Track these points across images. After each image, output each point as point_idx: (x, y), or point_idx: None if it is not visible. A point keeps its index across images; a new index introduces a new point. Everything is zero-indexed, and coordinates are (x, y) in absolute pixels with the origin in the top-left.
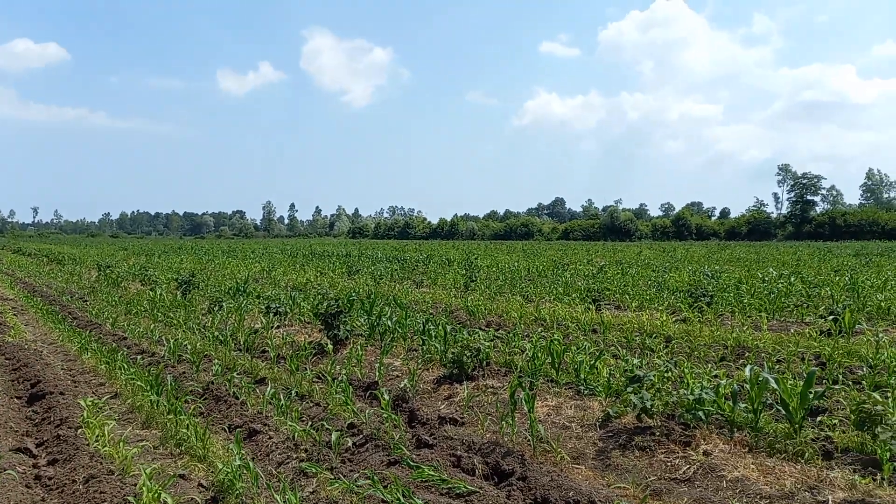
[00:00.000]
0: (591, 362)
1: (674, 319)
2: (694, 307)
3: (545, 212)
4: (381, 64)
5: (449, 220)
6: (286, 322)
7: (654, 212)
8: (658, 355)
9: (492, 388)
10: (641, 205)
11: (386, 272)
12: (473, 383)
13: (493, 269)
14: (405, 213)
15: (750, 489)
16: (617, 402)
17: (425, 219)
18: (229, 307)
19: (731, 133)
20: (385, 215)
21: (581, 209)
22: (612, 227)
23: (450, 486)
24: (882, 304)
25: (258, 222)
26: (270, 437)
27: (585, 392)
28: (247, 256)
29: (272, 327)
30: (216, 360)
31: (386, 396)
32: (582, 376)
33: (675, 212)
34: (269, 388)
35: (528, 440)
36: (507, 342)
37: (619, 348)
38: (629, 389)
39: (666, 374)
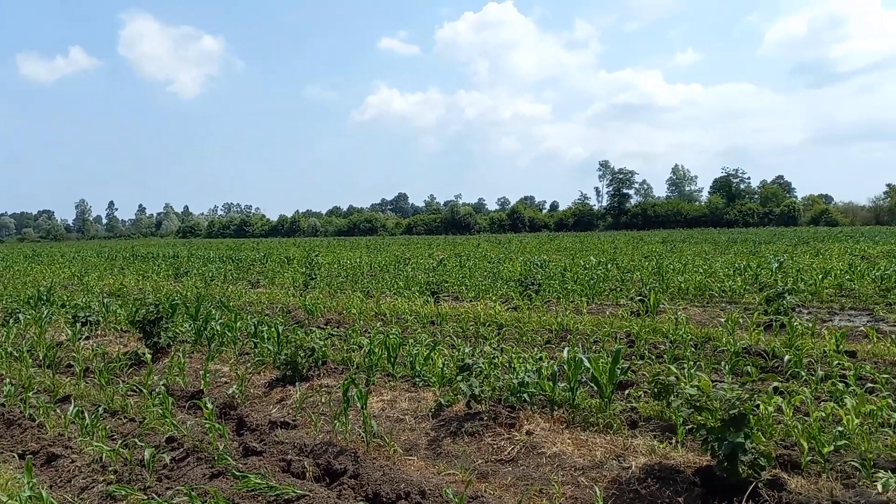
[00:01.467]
0: (426, 354)
1: (506, 308)
2: (524, 295)
3: (389, 207)
4: (212, 53)
5: (290, 216)
6: (98, 332)
7: (492, 206)
8: (490, 343)
9: (327, 387)
10: (480, 199)
11: (218, 273)
12: (308, 384)
13: (335, 265)
14: (242, 210)
15: (566, 463)
16: (450, 392)
17: (264, 216)
18: (27, 319)
19: (558, 131)
20: (220, 213)
21: (424, 204)
22: (453, 222)
23: (278, 492)
24: (682, 285)
25: (70, 223)
26: (73, 461)
27: (421, 384)
28: (55, 261)
29: (80, 338)
30: (8, 380)
31: (210, 405)
32: (417, 368)
33: (510, 206)
34: (72, 407)
35: (363, 437)
36: (346, 339)
37: (455, 338)
38: (459, 378)
39: (494, 361)
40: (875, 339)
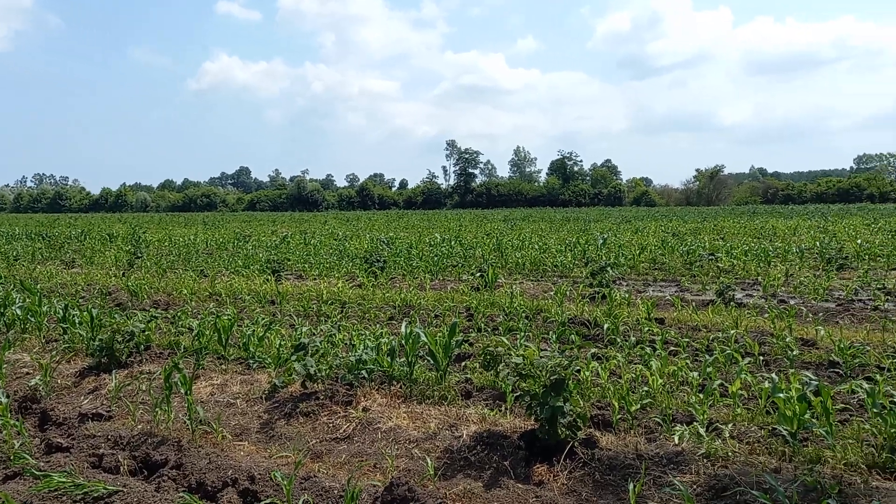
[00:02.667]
0: (262, 334)
1: (351, 285)
2: (369, 273)
3: (230, 181)
4: (20, 6)
5: (115, 190)
6: None
7: (341, 182)
8: (333, 321)
9: (149, 373)
10: (328, 175)
11: (25, 252)
12: (127, 371)
13: (166, 243)
14: (56, 182)
15: (401, 436)
16: (285, 373)
17: (83, 189)
18: None
19: (406, 109)
20: (29, 184)
21: (268, 179)
22: (300, 198)
23: (85, 490)
24: (519, 260)
25: None
26: None
27: (255, 366)
28: None
29: None
30: None
31: (4, 399)
32: (252, 350)
33: (359, 183)
34: None
35: (187, 425)
36: (174, 322)
37: (296, 318)
38: (294, 357)
39: (333, 339)
40: (680, 307)
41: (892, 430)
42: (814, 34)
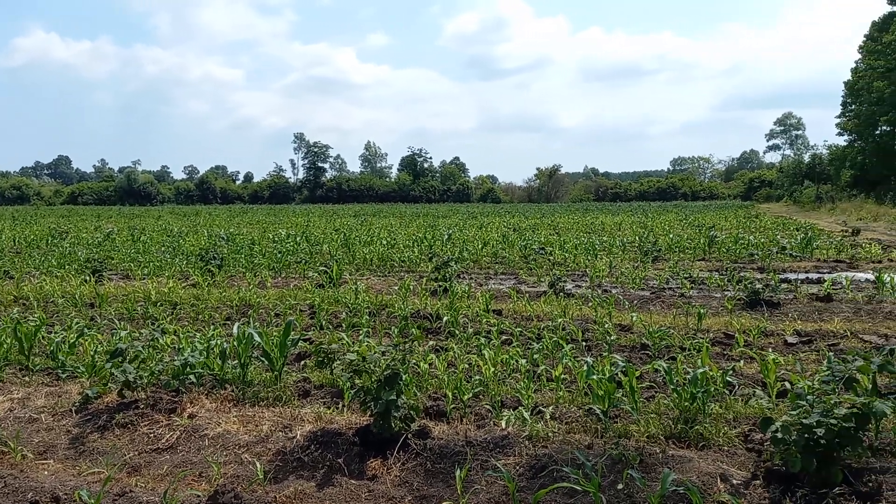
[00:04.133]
0: (73, 340)
1: (184, 285)
2: (205, 271)
3: (46, 172)
4: None
5: None
6: None
7: (178, 174)
8: (162, 324)
9: None
10: (164, 167)
11: None
12: None
13: None
14: None
15: (230, 441)
16: (100, 382)
17: None
18: None
19: (253, 99)
20: None
21: (93, 170)
22: (130, 191)
23: None
24: (367, 256)
25: None
26: None
27: (65, 376)
28: None
29: None
30: None
31: None
32: (61, 358)
33: (199, 175)
34: None
35: None
36: None
37: (118, 322)
38: (109, 365)
39: (156, 343)
40: (516, 298)
41: (686, 404)
42: (638, 46)
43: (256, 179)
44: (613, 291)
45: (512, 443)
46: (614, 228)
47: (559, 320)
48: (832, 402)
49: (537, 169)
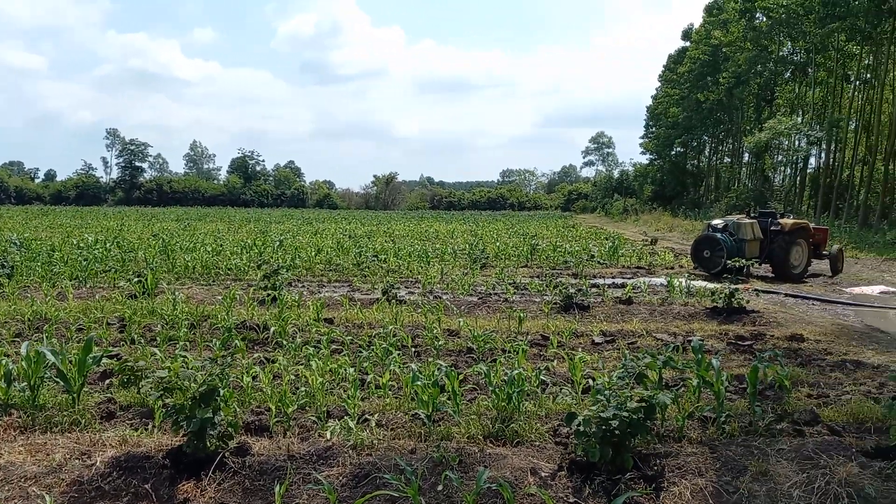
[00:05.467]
0: None
1: None
2: None
3: None
4: None
5: None
6: None
7: None
8: None
9: None
10: None
11: None
12: None
13: None
14: None
15: (15, 474)
16: None
17: None
18: None
19: (59, 90)
20: None
21: None
22: None
23: None
24: (189, 263)
25: None
26: None
27: None
28: None
29: None
30: None
31: None
32: None
33: None
34: None
35: None
36: None
37: None
38: None
39: None
40: (349, 306)
41: (503, 404)
42: (468, 61)
43: (61, 178)
44: (444, 297)
45: (336, 453)
46: (447, 236)
47: (390, 327)
48: (625, 395)
49: (374, 176)
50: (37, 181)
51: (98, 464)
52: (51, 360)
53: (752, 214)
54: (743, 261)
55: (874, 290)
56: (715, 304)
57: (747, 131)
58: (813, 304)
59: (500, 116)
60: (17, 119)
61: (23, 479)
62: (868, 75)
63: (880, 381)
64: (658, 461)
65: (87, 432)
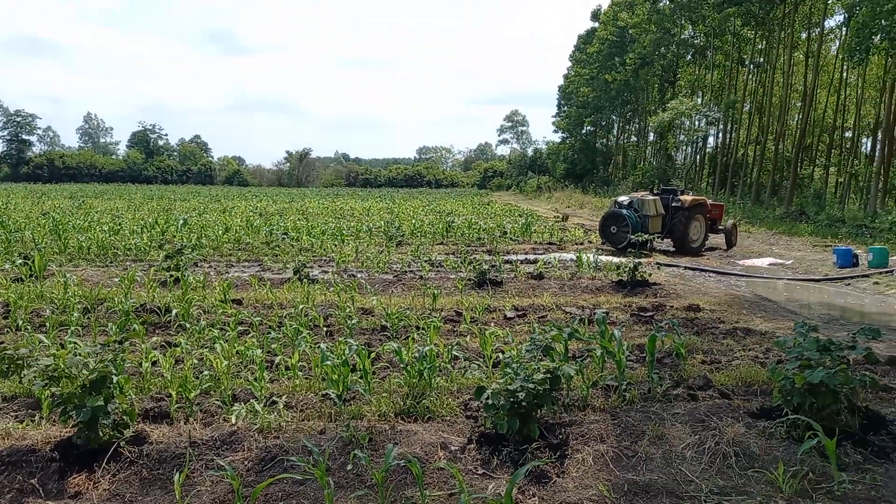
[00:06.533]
0: None
1: None
2: None
3: None
4: None
5: None
6: None
7: None
8: None
9: None
10: None
11: None
12: None
13: None
14: None
15: None
16: None
17: None
18: None
19: None
20: None
21: None
22: None
23: None
24: (83, 244)
25: None
26: None
27: None
28: None
29: None
30: None
31: None
32: None
33: None
34: None
35: None
36: None
37: None
38: None
39: None
40: (258, 286)
41: (415, 381)
42: (387, 38)
43: None
44: (359, 276)
45: (241, 438)
46: (363, 214)
47: (301, 307)
48: (533, 368)
49: (287, 152)
50: None
51: None
52: None
53: (655, 192)
54: (646, 236)
55: (764, 262)
56: (620, 277)
57: (652, 111)
58: (709, 276)
59: (418, 94)
60: None
61: None
62: (761, 59)
63: (767, 347)
64: (563, 430)
65: None
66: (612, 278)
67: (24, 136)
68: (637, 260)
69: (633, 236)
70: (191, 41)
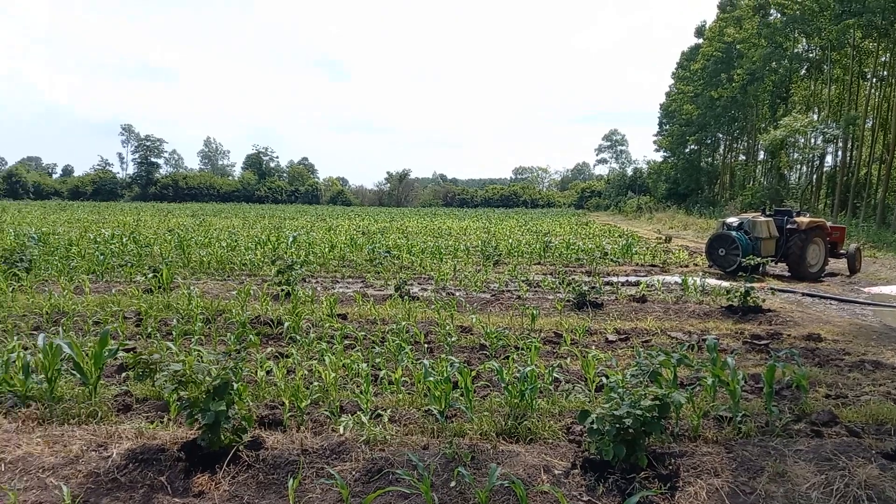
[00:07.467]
0: None
1: None
2: (8, 275)
3: None
4: None
5: None
6: None
7: None
8: None
9: None
10: None
11: None
12: None
13: None
14: None
15: (33, 465)
16: None
17: None
18: None
19: (63, 82)
20: None
21: None
22: None
23: None
24: (204, 259)
25: None
26: None
27: None
28: None
29: None
30: None
31: None
32: None
33: (7, 167)
34: None
35: None
36: None
37: None
38: None
39: None
40: (362, 302)
41: (515, 401)
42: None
43: (78, 174)
44: (457, 294)
45: (349, 448)
46: (460, 233)
47: (403, 323)
48: (639, 394)
49: (388, 173)
50: (54, 177)
51: (114, 456)
52: (67, 353)
53: (768, 213)
54: (758, 259)
55: (893, 289)
56: (730, 302)
57: (762, 129)
58: (830, 304)
59: (514, 114)
60: (28, 114)
61: (41, 470)
62: (885, 72)
63: None
64: (673, 460)
65: (104, 424)
66: (722, 303)
67: (152, 159)
68: (749, 284)
69: (743, 259)
70: (298, 68)
